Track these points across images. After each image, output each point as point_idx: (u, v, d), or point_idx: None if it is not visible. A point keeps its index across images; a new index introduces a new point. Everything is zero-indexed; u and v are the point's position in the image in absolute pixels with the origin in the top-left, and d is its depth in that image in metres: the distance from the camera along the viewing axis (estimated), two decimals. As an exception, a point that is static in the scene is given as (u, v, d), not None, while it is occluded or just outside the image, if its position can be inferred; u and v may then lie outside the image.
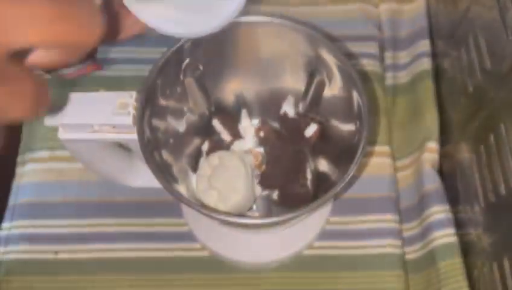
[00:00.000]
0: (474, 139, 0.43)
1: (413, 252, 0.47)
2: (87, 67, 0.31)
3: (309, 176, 0.43)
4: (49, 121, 0.35)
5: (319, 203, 0.33)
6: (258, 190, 0.43)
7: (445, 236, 0.45)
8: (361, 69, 0.53)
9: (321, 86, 0.40)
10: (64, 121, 0.35)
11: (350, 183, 0.47)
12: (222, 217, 0.34)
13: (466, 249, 0.45)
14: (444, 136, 0.50)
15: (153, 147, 0.37)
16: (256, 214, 0.43)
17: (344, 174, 0.34)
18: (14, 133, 0.51)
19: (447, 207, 0.46)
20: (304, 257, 0.45)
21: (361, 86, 0.35)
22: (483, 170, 0.41)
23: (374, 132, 0.50)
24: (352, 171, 0.33)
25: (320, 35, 0.37)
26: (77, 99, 0.35)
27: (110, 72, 0.53)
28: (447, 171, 0.50)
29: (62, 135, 0.36)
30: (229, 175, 0.40)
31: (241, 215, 0.39)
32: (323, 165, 0.43)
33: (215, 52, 0.39)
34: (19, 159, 0.49)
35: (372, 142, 0.49)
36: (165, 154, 0.39)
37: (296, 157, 0.42)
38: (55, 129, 0.40)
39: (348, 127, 0.39)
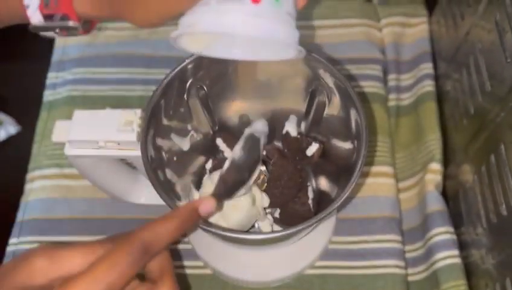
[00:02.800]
0: (476, 159, 0.43)
1: (416, 274, 0.46)
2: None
3: (310, 194, 0.43)
4: (56, 137, 0.36)
5: (316, 220, 0.33)
6: (260, 208, 0.43)
7: (449, 257, 0.45)
8: (363, 91, 0.54)
9: (321, 106, 0.41)
10: (70, 138, 0.36)
11: (348, 201, 0.47)
12: (221, 232, 0.34)
13: (469, 270, 0.44)
14: (447, 158, 0.50)
15: (157, 165, 0.38)
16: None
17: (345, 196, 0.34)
18: (23, 151, 0.52)
19: (450, 229, 0.46)
20: (306, 276, 0.45)
21: (360, 106, 0.36)
22: (484, 191, 0.41)
23: (376, 153, 0.50)
24: (350, 188, 0.34)
25: (320, 57, 0.38)
26: (83, 117, 0.36)
27: (117, 92, 0.54)
28: (450, 193, 0.50)
29: (68, 151, 0.37)
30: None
31: (240, 231, 0.39)
32: (324, 184, 0.43)
33: (218, 73, 0.40)
34: (28, 176, 0.50)
35: (375, 163, 0.50)
36: (169, 173, 0.40)
37: (297, 176, 0.43)
38: (63, 148, 0.41)
39: (347, 146, 0.39)
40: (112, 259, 0.25)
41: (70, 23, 0.28)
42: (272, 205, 0.42)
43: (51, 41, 0.57)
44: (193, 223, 0.29)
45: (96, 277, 0.24)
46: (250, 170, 0.36)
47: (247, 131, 0.37)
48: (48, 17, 0.28)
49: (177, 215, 0.28)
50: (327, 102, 0.40)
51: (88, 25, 0.30)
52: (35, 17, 0.28)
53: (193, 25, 0.25)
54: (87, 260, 0.25)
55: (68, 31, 0.29)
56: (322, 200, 0.43)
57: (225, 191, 0.35)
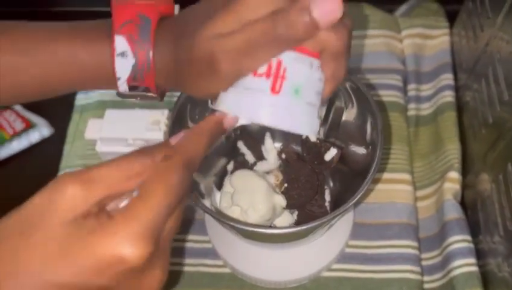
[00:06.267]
0: (494, 168, 0.44)
1: (433, 282, 0.47)
2: None
3: (327, 197, 0.44)
4: (89, 134, 0.39)
5: (330, 217, 0.34)
6: (279, 208, 0.44)
7: (466, 265, 0.45)
8: (383, 100, 0.55)
9: (340, 112, 0.42)
10: (102, 135, 0.38)
11: (361, 202, 0.48)
12: (240, 226, 0.36)
13: (486, 278, 0.44)
14: (466, 167, 0.50)
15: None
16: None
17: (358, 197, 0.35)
18: (54, 152, 0.54)
19: (468, 237, 0.46)
20: (323, 279, 0.46)
21: (376, 109, 0.37)
22: (502, 199, 0.41)
23: (395, 160, 0.51)
24: (363, 189, 0.35)
25: None
26: (114, 115, 0.38)
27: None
28: (468, 202, 0.50)
29: (100, 148, 0.39)
30: (251, 193, 0.42)
31: (257, 225, 0.40)
32: (341, 187, 0.44)
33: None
34: (59, 174, 0.53)
35: (394, 170, 0.51)
36: (194, 173, 0.42)
37: (315, 179, 0.44)
38: (93, 148, 0.43)
39: (363, 151, 0.40)
40: (163, 180, 0.23)
41: (150, 94, 0.32)
42: (289, 206, 0.43)
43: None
44: (218, 137, 0.29)
45: (157, 203, 0.22)
46: None
47: None
48: (132, 88, 0.32)
49: (208, 128, 0.27)
50: (345, 107, 0.42)
51: (162, 92, 0.34)
52: (122, 87, 0.31)
53: (219, 103, 0.28)
54: (123, 173, 0.23)
55: (147, 98, 0.33)
56: (339, 204, 0.44)
57: None
